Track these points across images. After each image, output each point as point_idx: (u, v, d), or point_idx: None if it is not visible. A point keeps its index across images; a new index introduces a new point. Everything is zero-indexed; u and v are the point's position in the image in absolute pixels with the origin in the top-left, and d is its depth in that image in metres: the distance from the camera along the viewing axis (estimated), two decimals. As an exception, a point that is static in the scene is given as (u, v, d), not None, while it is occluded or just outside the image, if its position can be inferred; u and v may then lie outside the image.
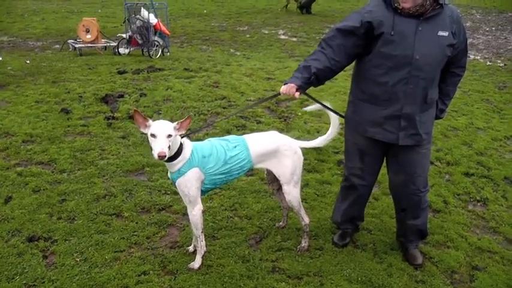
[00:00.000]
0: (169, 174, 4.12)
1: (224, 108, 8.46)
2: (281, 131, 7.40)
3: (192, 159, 3.96)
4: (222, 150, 4.09)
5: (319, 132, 7.48)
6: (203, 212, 4.23)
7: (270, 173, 4.52)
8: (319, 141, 4.55)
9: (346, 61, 4.05)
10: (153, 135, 3.69)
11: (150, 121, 3.79)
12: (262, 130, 7.14)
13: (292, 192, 4.36)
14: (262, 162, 4.29)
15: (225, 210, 5.26)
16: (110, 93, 8.93)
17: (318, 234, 4.88)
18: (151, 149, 3.74)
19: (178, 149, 3.89)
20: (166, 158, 3.73)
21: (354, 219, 4.78)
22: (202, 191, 4.12)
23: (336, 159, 6.65)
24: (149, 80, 10.00)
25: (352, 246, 4.73)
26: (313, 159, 6.58)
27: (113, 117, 7.80)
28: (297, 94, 4.00)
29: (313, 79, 4.00)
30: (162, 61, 11.76)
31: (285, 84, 4.03)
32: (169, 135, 3.71)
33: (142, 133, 3.80)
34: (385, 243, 4.77)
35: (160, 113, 8.03)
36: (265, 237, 4.81)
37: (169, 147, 3.73)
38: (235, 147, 4.14)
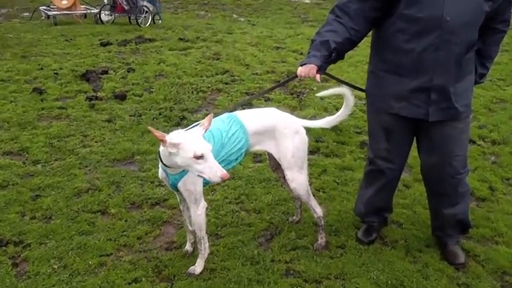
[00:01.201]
0: (162, 173, 4.05)
1: (226, 84, 8.42)
2: (293, 109, 7.35)
3: None
4: (218, 132, 4.03)
5: (337, 109, 7.36)
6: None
7: (271, 157, 4.48)
8: (325, 122, 4.52)
9: (365, 28, 4.00)
10: (201, 157, 3.51)
11: (170, 137, 3.58)
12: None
13: (296, 179, 4.31)
14: (260, 144, 4.26)
15: (230, 204, 5.21)
16: (91, 69, 8.90)
17: (339, 230, 4.82)
18: (196, 171, 3.57)
19: None
20: None
21: (381, 210, 4.73)
22: None
23: (359, 140, 6.59)
24: (138, 52, 9.96)
25: (379, 243, 4.67)
26: (331, 142, 6.53)
27: (96, 98, 7.76)
28: (318, 76, 3.94)
29: (334, 56, 3.96)
30: (152, 30, 11.70)
31: (302, 66, 3.97)
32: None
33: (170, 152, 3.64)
34: (419, 239, 4.70)
35: (152, 91, 7.98)
36: (277, 234, 4.76)
37: None
38: (230, 126, 4.09)
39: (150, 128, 3.58)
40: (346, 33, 3.91)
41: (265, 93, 7.58)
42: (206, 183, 4.11)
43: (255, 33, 11.69)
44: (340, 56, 4.05)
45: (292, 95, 8.01)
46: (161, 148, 3.74)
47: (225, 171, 3.51)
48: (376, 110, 4.26)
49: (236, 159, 4.14)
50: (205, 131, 3.68)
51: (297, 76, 4.03)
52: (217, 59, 9.67)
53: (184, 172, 3.88)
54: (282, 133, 4.22)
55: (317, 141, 6.45)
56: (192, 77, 8.61)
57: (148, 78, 8.57)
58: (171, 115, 7.14)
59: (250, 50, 10.22)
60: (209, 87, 8.24)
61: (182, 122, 6.89)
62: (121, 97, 7.77)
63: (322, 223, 4.55)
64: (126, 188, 5.43)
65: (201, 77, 8.67)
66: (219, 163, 3.95)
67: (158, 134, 3.52)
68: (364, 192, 4.69)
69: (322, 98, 7.81)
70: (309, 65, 3.91)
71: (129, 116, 7.16)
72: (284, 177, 4.54)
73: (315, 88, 8.19)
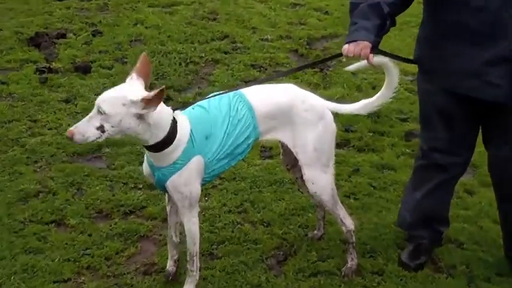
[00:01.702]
0: (146, 168, 4.09)
1: (226, 53, 8.43)
2: (315, 87, 7.31)
3: (192, 144, 3.91)
4: (219, 116, 4.01)
5: (375, 88, 7.36)
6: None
7: (285, 150, 4.47)
8: (360, 106, 4.51)
9: None
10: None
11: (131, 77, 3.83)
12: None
13: (318, 180, 4.29)
14: (271, 132, 4.24)
15: (229, 213, 5.22)
16: (43, 31, 8.84)
17: (376, 250, 4.82)
18: None
19: (171, 129, 3.82)
20: (79, 141, 3.70)
21: (434, 221, 4.70)
22: None
23: (403, 130, 6.60)
24: (107, 9, 9.92)
25: (431, 268, 4.67)
26: (366, 131, 6.53)
27: (49, 70, 7.73)
28: (372, 57, 3.93)
29: (389, 23, 3.96)
30: (126, -21, 11.68)
31: (349, 43, 3.95)
32: (102, 112, 3.64)
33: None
34: (486, 264, 4.69)
35: (126, 62, 7.96)
36: (292, 254, 4.77)
37: (102, 129, 3.67)
38: (237, 108, 4.06)
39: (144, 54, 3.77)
40: None
41: (288, 75, 7.46)
42: (203, 183, 4.13)
43: (265, -16, 11.64)
44: (394, 22, 4.04)
45: (313, 69, 7.96)
46: None
47: (72, 130, 3.68)
48: (432, 89, 4.26)
49: (242, 152, 4.15)
50: (144, 98, 3.66)
51: (341, 55, 4.03)
52: (214, 19, 9.63)
53: (175, 166, 3.89)
54: (302, 118, 4.20)
55: (347, 131, 6.44)
56: (179, 44, 8.58)
57: (120, 44, 8.54)
58: (152, 94, 7.11)
59: (257, 8, 10.17)
60: (202, 57, 8.24)
61: (167, 103, 6.84)
62: (84, 69, 7.75)
63: (353, 240, 4.54)
64: (91, 191, 5.44)
65: (192, 43, 8.64)
66: (225, 159, 4.04)
67: None
68: (411, 196, 4.68)
69: (354, 73, 7.78)
70: (361, 43, 3.89)
71: (95, 94, 7.09)
72: (301, 177, 4.51)
73: (344, 60, 8.12)
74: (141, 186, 5.49)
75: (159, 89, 3.63)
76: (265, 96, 4.21)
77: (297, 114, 4.21)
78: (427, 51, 4.23)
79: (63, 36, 8.77)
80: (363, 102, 4.52)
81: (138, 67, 3.85)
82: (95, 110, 3.65)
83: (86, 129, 3.64)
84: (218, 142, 3.99)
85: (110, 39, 8.68)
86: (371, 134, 6.53)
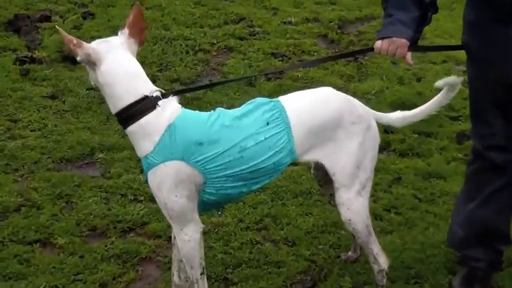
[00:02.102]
0: None
1: (242, 39, 8.47)
2: (349, 79, 7.31)
3: (168, 142, 3.80)
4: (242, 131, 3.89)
5: (420, 80, 7.37)
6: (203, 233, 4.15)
7: (318, 164, 4.31)
8: (394, 118, 4.49)
9: None
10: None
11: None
12: (312, 79, 7.11)
13: (354, 205, 4.16)
14: (313, 150, 4.10)
15: (247, 230, 5.24)
16: (23, 13, 8.88)
17: (422, 275, 4.81)
18: None
19: (135, 103, 3.80)
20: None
21: (490, 236, 4.63)
22: (200, 204, 4.00)
23: (454, 130, 6.61)
24: (99, -13, 9.97)
25: (489, 298, 4.66)
26: (409, 133, 6.52)
27: (32, 59, 7.78)
28: (409, 57, 3.97)
29: (430, 15, 3.98)
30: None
31: (382, 39, 3.97)
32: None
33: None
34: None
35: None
36: (321, 279, 4.78)
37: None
38: (267, 123, 3.93)
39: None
40: None
41: (312, 66, 7.48)
42: (205, 208, 4.07)
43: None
44: (436, 9, 4.05)
45: (345, 57, 7.95)
46: None
47: None
48: (485, 79, 4.23)
49: (270, 177, 4.05)
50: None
51: (372, 49, 4.05)
52: (227, -1, 9.67)
53: (147, 161, 3.84)
54: (349, 132, 4.10)
55: (386, 132, 6.40)
56: (186, 28, 8.62)
57: (116, 28, 8.45)
58: (153, 88, 7.13)
59: (279, -15, 10.20)
60: (214, 44, 8.28)
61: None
62: (72, 59, 7.74)
63: (384, 283, 4.44)
64: (82, 205, 5.46)
65: (202, 27, 8.67)
66: (240, 181, 3.92)
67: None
68: (463, 207, 4.64)
69: (394, 62, 7.78)
70: (396, 40, 3.90)
71: (86, 89, 7.17)
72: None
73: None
74: (141, 198, 5.52)
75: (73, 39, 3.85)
76: (307, 110, 4.08)
77: (344, 127, 4.09)
78: (474, 37, 4.21)
79: (48, 19, 8.80)
80: (399, 113, 4.49)
81: (130, 22, 3.94)
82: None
83: None
84: (224, 154, 3.84)
85: (103, 23, 8.73)
86: (416, 135, 6.53)
